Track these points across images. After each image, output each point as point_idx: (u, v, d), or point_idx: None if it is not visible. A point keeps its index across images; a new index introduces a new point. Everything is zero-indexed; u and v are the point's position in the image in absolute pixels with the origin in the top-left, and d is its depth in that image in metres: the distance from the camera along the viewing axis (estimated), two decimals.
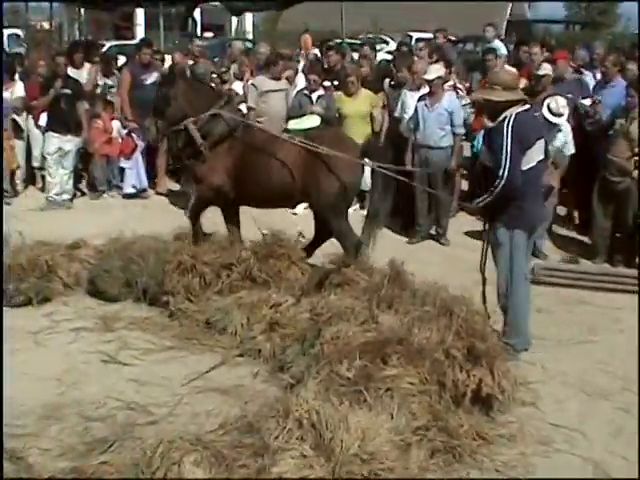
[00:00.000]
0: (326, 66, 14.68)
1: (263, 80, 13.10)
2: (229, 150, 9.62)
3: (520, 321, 7.93)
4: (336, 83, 13.62)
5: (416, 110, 11.66)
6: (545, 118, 10.65)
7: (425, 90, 11.91)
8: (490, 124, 8.08)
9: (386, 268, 8.16)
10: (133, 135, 14.16)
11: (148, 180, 14.39)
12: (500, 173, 7.42)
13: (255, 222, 9.47)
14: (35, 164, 14.61)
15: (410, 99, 12.15)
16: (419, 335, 6.80)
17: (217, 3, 22.90)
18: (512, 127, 7.46)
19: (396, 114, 12.52)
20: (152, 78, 14.09)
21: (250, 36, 32.30)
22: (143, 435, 6.11)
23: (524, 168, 7.55)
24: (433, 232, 12.00)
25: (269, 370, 7.48)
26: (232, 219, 9.89)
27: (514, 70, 8.57)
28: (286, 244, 9.11)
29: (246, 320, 8.02)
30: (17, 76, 14.87)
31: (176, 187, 14.52)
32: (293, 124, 12.82)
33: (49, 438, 6.30)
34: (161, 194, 14.25)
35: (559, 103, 10.77)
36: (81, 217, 10.34)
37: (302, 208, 12.81)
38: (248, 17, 33.92)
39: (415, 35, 27.32)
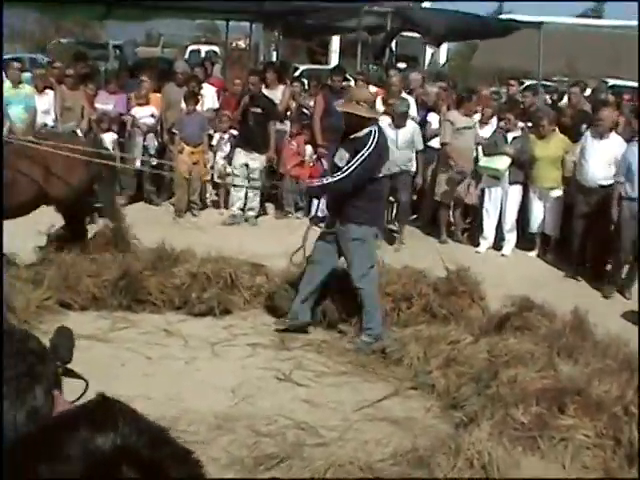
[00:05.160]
0: (522, 106, 14.51)
1: (456, 116, 13.11)
2: None
3: (374, 306, 8.65)
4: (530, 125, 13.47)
5: (624, 159, 11.29)
6: None
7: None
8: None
9: (569, 316, 8.05)
10: (323, 161, 14.32)
11: None
12: (344, 169, 8.33)
13: (441, 257, 9.43)
14: (218, 179, 14.95)
15: (591, 146, 11.85)
16: (598, 388, 6.66)
17: (416, 34, 22.92)
18: (377, 140, 8.41)
19: (573, 158, 12.24)
20: None
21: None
22: (311, 456, 6.15)
23: (383, 174, 8.98)
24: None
25: (441, 406, 7.43)
26: None
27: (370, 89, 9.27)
28: (469, 282, 9.10)
29: (423, 354, 8.00)
30: (205, 89, 15.34)
31: None
32: (484, 162, 12.79)
33: (219, 448, 6.42)
34: None
35: None
36: (266, 235, 10.51)
37: (485, 247, 12.76)
38: (443, 51, 33.86)
39: (610, 81, 26.80)
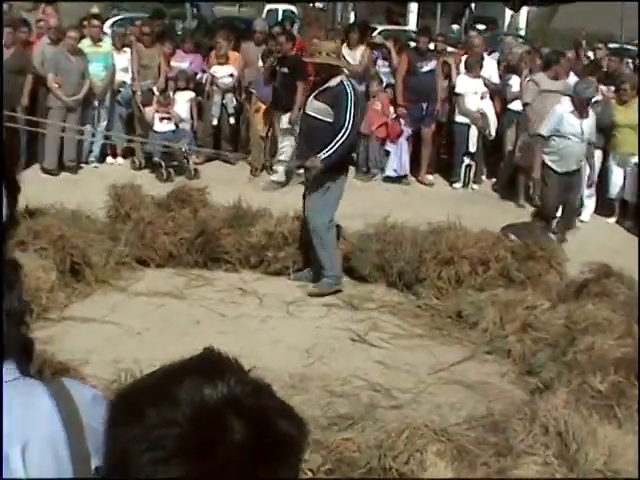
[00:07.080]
0: (606, 70, 14.25)
1: (542, 78, 12.89)
2: None
3: (334, 249, 9.06)
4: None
5: None
6: None
7: None
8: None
9: None
10: (401, 120, 14.23)
11: (411, 167, 14.35)
12: (345, 127, 8.45)
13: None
14: None
15: None
16: None
17: None
18: (354, 89, 8.71)
19: None
20: (429, 66, 14.14)
21: (523, 32, 31.88)
22: (385, 418, 6.15)
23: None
24: None
25: (517, 372, 7.39)
26: None
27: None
28: (547, 247, 9.01)
29: (499, 318, 7.93)
30: None
31: (437, 178, 14.52)
32: None
33: None
34: (421, 182, 14.24)
35: None
36: (343, 196, 10.40)
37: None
38: (522, 13, 33.49)
39: None
